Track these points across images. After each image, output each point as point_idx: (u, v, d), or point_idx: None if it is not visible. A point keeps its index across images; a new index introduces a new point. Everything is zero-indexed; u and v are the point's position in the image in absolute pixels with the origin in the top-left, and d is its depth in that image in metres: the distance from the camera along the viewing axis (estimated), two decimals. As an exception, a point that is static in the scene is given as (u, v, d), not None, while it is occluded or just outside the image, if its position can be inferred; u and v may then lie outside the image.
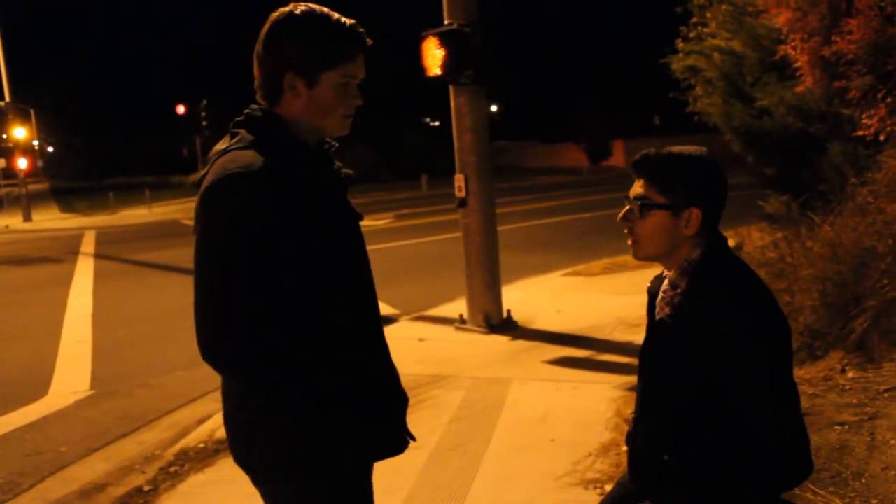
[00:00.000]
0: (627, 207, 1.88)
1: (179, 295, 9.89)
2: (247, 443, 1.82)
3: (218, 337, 1.65)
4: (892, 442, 2.97)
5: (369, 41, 1.82)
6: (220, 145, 1.80)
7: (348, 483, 1.84)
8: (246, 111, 1.82)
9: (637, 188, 1.87)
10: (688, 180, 1.83)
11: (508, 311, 7.03)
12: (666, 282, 1.92)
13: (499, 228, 7.29)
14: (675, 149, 1.87)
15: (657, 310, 1.94)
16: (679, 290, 1.85)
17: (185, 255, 12.47)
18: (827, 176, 6.52)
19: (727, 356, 1.72)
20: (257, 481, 1.86)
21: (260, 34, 1.80)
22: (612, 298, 7.67)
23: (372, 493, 1.95)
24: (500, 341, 6.55)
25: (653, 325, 1.94)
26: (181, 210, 25.62)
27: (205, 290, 1.66)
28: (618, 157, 40.46)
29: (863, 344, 4.06)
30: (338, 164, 1.93)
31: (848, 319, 4.25)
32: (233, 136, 1.79)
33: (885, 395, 3.33)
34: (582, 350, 6.06)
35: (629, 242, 1.90)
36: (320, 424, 1.75)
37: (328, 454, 1.77)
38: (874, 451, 2.93)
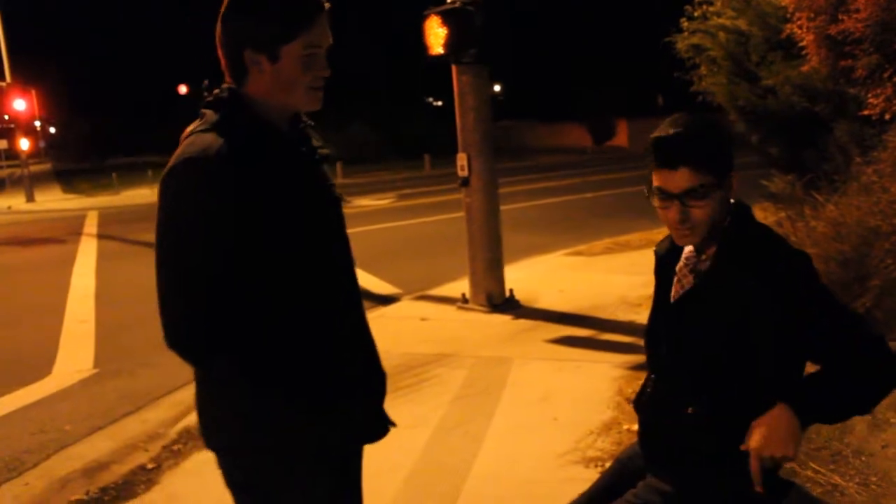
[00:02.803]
0: (678, 205, 1.77)
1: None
2: (207, 426, 1.83)
3: (177, 325, 1.66)
4: (893, 420, 2.97)
5: (327, 5, 1.74)
6: (190, 127, 1.76)
7: (322, 469, 1.80)
8: (215, 91, 1.78)
9: (679, 181, 1.76)
10: (723, 150, 1.81)
11: (511, 291, 7.03)
12: (689, 248, 1.89)
13: (501, 208, 7.27)
14: (691, 125, 1.79)
15: (678, 276, 1.92)
16: (705, 256, 1.84)
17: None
18: (832, 156, 6.48)
19: (786, 307, 1.71)
20: (223, 461, 1.85)
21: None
22: (614, 278, 7.67)
23: (352, 479, 1.92)
24: (502, 320, 6.56)
25: (682, 294, 1.89)
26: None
27: (163, 278, 1.66)
28: (621, 137, 40.31)
29: (866, 323, 4.05)
30: (316, 143, 1.88)
31: (852, 299, 4.25)
32: (201, 119, 1.75)
33: None
34: (584, 329, 6.07)
35: (685, 234, 1.81)
36: (280, 412, 1.74)
37: (284, 426, 1.75)
38: (874, 430, 2.94)
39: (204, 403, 1.83)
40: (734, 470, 1.72)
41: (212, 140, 1.65)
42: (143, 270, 10.46)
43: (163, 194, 1.67)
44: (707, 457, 1.83)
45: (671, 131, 1.78)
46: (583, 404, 4.41)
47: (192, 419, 4.70)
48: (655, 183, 1.81)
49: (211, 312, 1.65)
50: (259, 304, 1.71)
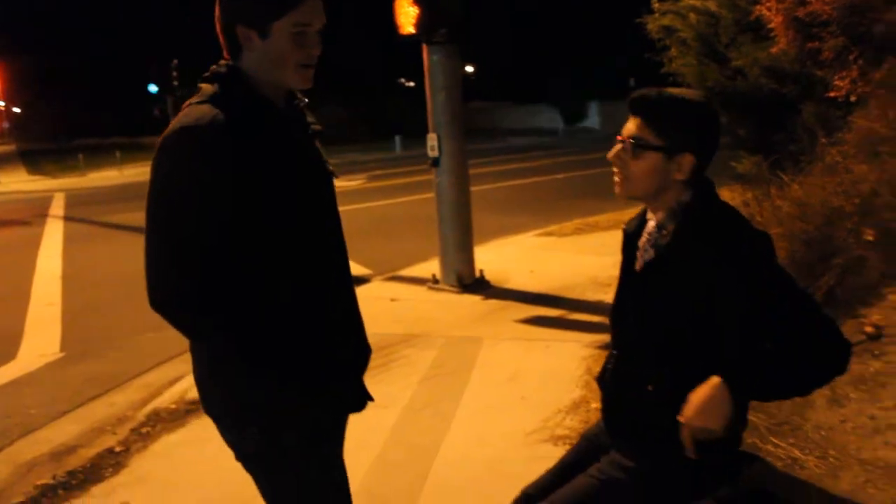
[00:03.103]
0: (620, 146, 1.86)
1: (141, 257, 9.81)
2: (204, 394, 1.87)
3: (167, 292, 1.68)
4: (852, 395, 3.03)
5: None
6: (188, 102, 1.79)
7: (305, 437, 1.84)
8: (213, 67, 1.81)
9: (631, 127, 1.85)
10: (685, 125, 1.82)
11: (481, 271, 7.05)
12: (651, 223, 1.92)
13: (473, 189, 7.27)
14: (676, 91, 1.86)
15: (640, 251, 1.95)
16: (666, 232, 1.86)
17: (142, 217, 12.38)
18: (798, 137, 6.55)
19: (740, 285, 1.73)
20: (219, 430, 1.89)
21: None
22: (584, 258, 7.71)
23: (336, 449, 1.96)
24: (472, 301, 6.58)
25: (643, 266, 1.93)
26: (144, 173, 25.28)
27: (152, 241, 1.68)
28: (593, 118, 40.43)
29: (829, 301, 4.11)
30: (310, 119, 1.92)
31: (815, 277, 4.30)
32: (198, 93, 1.78)
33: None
34: (554, 309, 6.10)
35: (616, 180, 1.89)
36: (267, 381, 1.77)
37: (277, 408, 1.79)
38: (834, 405, 3.00)
39: (201, 377, 1.87)
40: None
41: (207, 110, 1.69)
42: (110, 253, 10.39)
43: (157, 162, 1.70)
44: (668, 432, 1.85)
45: (655, 90, 1.86)
46: (552, 383, 4.45)
47: (161, 402, 4.68)
48: None
49: (203, 281, 1.67)
50: (252, 279, 1.74)
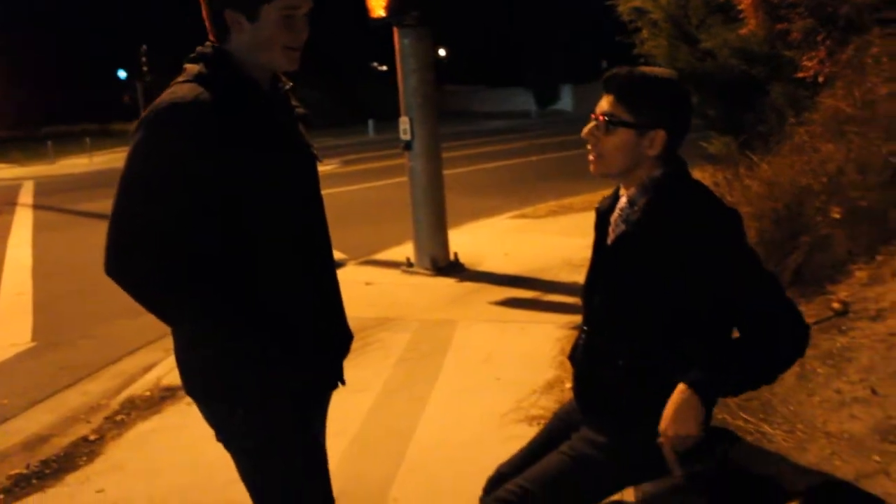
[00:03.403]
0: (593, 123, 1.88)
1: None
2: (183, 374, 1.88)
3: (124, 253, 1.69)
4: (819, 371, 3.09)
5: None
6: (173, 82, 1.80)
7: (289, 417, 1.86)
8: (198, 48, 1.82)
9: (604, 104, 1.87)
10: (656, 102, 1.85)
11: (455, 254, 7.07)
12: (623, 199, 1.94)
13: (446, 172, 7.27)
14: (647, 69, 1.89)
15: (612, 227, 1.97)
16: (637, 208, 1.88)
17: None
18: (767, 117, 6.61)
19: (710, 261, 1.76)
20: (202, 412, 1.90)
21: None
22: (558, 240, 7.75)
23: (317, 429, 1.98)
24: (446, 284, 6.60)
25: (614, 241, 1.95)
26: (124, 159, 24.90)
27: (120, 209, 1.68)
28: (566, 101, 40.48)
29: (797, 279, 4.17)
30: (294, 103, 1.94)
31: (784, 255, 4.36)
32: (183, 73, 1.79)
33: (815, 326, 3.43)
34: (528, 291, 6.14)
35: (590, 158, 1.90)
36: (251, 362, 1.78)
37: (262, 389, 1.80)
38: (802, 380, 3.05)
39: (183, 360, 1.88)
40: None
41: (192, 88, 1.70)
42: (80, 241, 10.25)
43: (139, 138, 1.69)
44: (639, 406, 1.87)
45: (627, 68, 1.88)
46: (526, 364, 4.48)
47: (136, 389, 4.66)
48: None
49: (174, 259, 1.68)
50: (235, 260, 1.74)
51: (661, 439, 1.73)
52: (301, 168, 1.90)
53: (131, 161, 1.69)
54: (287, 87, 1.92)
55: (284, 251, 1.81)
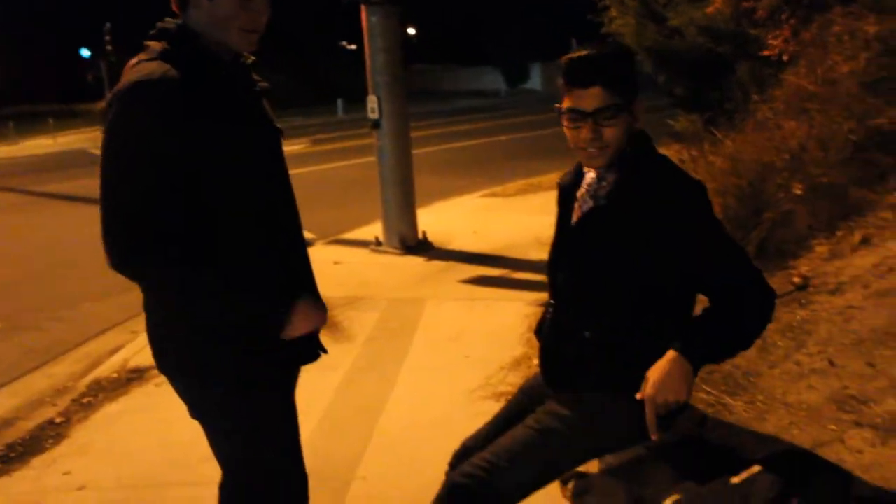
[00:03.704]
0: (593, 125, 1.81)
1: (86, 226, 9.57)
2: (160, 354, 1.87)
3: (124, 244, 1.66)
4: (780, 343, 3.15)
5: None
6: (134, 60, 1.77)
7: (264, 392, 1.87)
8: (159, 24, 1.80)
9: (591, 99, 1.80)
10: (629, 75, 1.84)
11: (424, 233, 7.08)
12: (591, 175, 1.94)
13: (416, 152, 7.26)
14: (603, 47, 1.85)
15: (578, 202, 1.97)
16: (605, 183, 1.89)
17: (93, 185, 12.05)
18: (733, 95, 6.68)
19: (679, 233, 1.77)
20: (176, 389, 1.89)
21: None
22: (527, 218, 7.77)
23: (291, 404, 1.99)
24: (415, 262, 6.61)
25: (581, 217, 1.95)
26: (88, 139, 24.54)
27: (110, 199, 1.66)
28: (535, 80, 40.48)
29: (760, 254, 4.24)
30: (256, 78, 1.92)
31: (747, 230, 4.43)
32: (145, 50, 1.77)
33: (776, 300, 3.51)
34: (497, 269, 6.17)
35: (594, 152, 1.84)
36: (221, 334, 1.78)
37: (237, 365, 1.81)
38: (763, 353, 3.11)
39: (157, 338, 1.87)
40: (629, 394, 1.79)
41: (158, 66, 1.68)
42: (45, 223, 10.07)
43: (110, 120, 1.68)
44: (603, 381, 1.90)
45: (584, 52, 1.82)
46: (494, 342, 4.51)
47: (102, 371, 4.62)
48: (567, 104, 1.84)
49: (159, 233, 1.66)
50: (204, 237, 1.73)
51: (640, 396, 1.75)
52: (264, 143, 1.88)
53: (106, 142, 1.68)
54: (249, 61, 1.90)
55: (246, 226, 1.80)
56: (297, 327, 1.81)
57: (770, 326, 3.27)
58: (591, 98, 1.80)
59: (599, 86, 1.79)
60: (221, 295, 1.75)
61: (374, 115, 6.86)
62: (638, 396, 1.76)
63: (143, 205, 1.65)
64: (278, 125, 1.95)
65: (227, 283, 1.75)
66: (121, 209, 1.66)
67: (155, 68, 1.67)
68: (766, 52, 6.20)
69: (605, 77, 1.79)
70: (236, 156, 1.76)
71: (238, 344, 1.79)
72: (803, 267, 3.92)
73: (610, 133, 1.82)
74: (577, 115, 1.83)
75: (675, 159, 1.91)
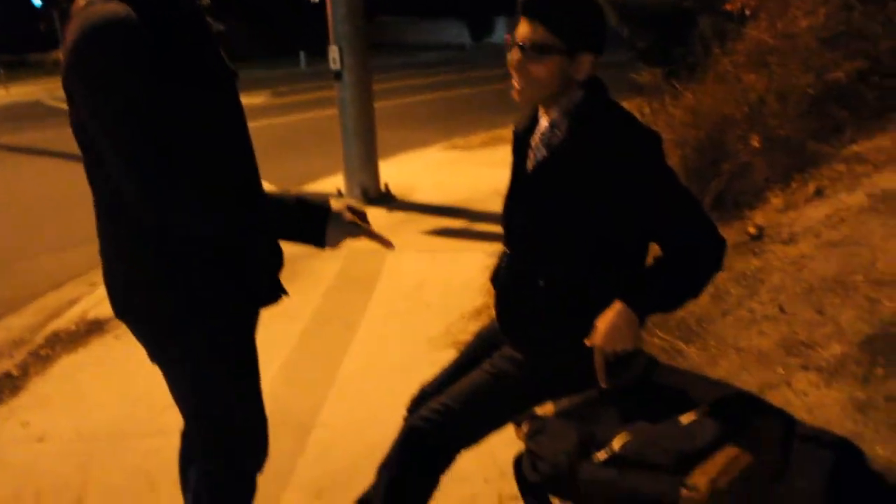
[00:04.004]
0: (520, 53, 1.81)
1: (42, 179, 9.40)
2: (119, 300, 1.84)
3: (169, 198, 1.62)
4: (733, 291, 3.22)
5: None
6: (81, 2, 1.69)
7: (225, 336, 1.87)
8: None
9: (527, 31, 1.80)
10: (583, 23, 1.81)
11: (386, 185, 7.05)
12: (544, 122, 1.93)
13: (378, 104, 7.20)
14: None
15: (532, 150, 1.96)
16: (559, 131, 1.88)
17: (49, 137, 11.72)
18: (695, 48, 6.69)
19: (631, 182, 1.78)
20: (136, 335, 1.89)
21: None
22: (489, 171, 7.77)
23: (252, 347, 1.99)
24: (377, 214, 6.59)
25: (535, 166, 1.94)
26: (44, 90, 23.86)
27: (124, 156, 1.61)
28: (500, 33, 40.16)
29: (717, 204, 4.31)
30: (209, 19, 1.87)
31: (705, 182, 4.48)
32: None
33: (731, 250, 3.57)
34: (458, 221, 6.19)
35: (516, 86, 1.85)
36: (183, 276, 1.77)
37: (199, 309, 1.80)
38: (716, 300, 3.18)
39: (115, 283, 1.84)
40: (581, 340, 1.83)
41: (116, 7, 1.60)
42: (-1, 175, 9.55)
43: (76, 70, 1.61)
44: (558, 325, 1.93)
45: None
46: (455, 291, 4.55)
47: (60, 324, 4.58)
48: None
49: (174, 172, 1.63)
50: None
51: (589, 343, 1.78)
52: (221, 84, 1.84)
53: (95, 99, 1.61)
54: (204, 3, 1.85)
55: (211, 169, 1.76)
56: (335, 234, 1.80)
57: (724, 275, 3.36)
58: (528, 31, 1.79)
59: (540, 22, 1.77)
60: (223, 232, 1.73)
61: (335, 66, 6.77)
62: (587, 343, 1.80)
63: (162, 151, 1.61)
64: (233, 69, 1.92)
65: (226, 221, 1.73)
66: (150, 162, 1.60)
67: (116, 9, 1.60)
68: (728, 6, 6.20)
69: (547, 15, 1.77)
70: (197, 98, 1.72)
71: (200, 286, 1.79)
72: (758, 218, 3.99)
73: (535, 71, 1.80)
74: (513, 45, 1.83)
75: (636, 112, 1.91)
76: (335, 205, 1.80)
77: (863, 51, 4.89)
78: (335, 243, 1.80)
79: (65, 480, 2.95)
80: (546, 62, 1.79)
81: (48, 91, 22.65)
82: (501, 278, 2.08)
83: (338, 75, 6.81)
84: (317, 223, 1.82)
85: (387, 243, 1.87)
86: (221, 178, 1.80)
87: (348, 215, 1.81)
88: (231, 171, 1.85)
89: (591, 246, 1.86)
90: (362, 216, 1.88)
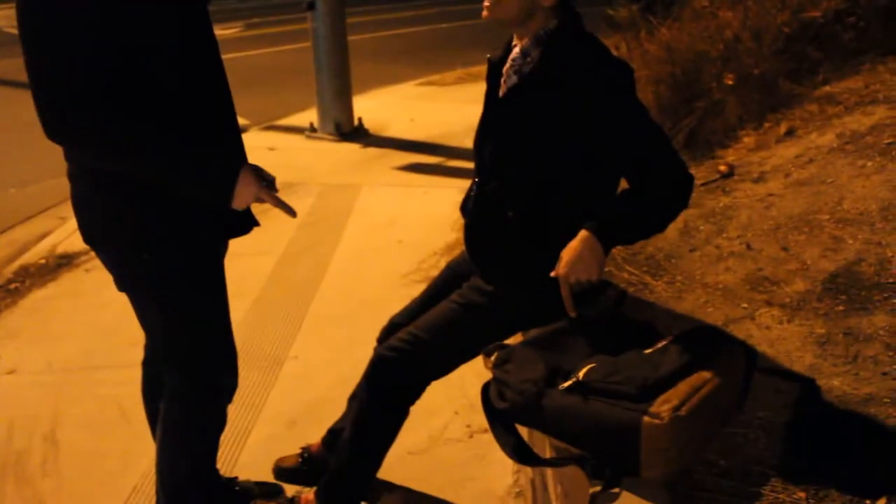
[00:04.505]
0: None
1: (6, 110, 9.16)
2: (88, 223, 1.84)
3: (58, 113, 1.62)
4: (702, 228, 3.26)
5: None
6: None
7: (193, 261, 1.88)
8: None
9: None
10: None
11: (360, 119, 6.98)
12: (516, 50, 1.91)
13: (352, 38, 7.07)
14: None
15: (504, 77, 1.95)
16: (530, 59, 1.87)
17: (7, 66, 11.42)
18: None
19: (601, 113, 1.78)
20: (103, 259, 1.90)
21: None
22: (464, 107, 7.69)
23: (221, 275, 2.00)
24: (350, 149, 6.54)
25: (505, 92, 1.94)
26: (3, 17, 23.14)
27: (36, 68, 1.60)
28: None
29: (689, 142, 4.32)
30: None
31: (679, 118, 4.49)
32: None
33: (702, 188, 3.60)
34: (432, 157, 6.16)
35: (485, 3, 1.84)
36: (156, 206, 1.77)
37: (167, 233, 1.81)
38: (684, 236, 3.22)
39: (84, 207, 1.83)
40: (548, 270, 1.84)
41: None
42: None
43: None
44: (527, 256, 1.94)
45: None
46: (428, 227, 4.55)
47: (29, 258, 4.53)
48: None
49: (88, 96, 1.61)
50: (138, 110, 1.68)
51: (555, 274, 1.81)
52: (191, 14, 1.80)
53: (27, 18, 1.59)
54: None
55: (183, 101, 1.76)
56: (242, 194, 1.78)
57: (693, 212, 3.39)
58: None
59: None
60: (167, 159, 1.71)
61: (308, -4, 6.62)
62: (552, 274, 1.82)
63: (69, 69, 1.58)
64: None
65: (173, 147, 1.72)
66: (47, 73, 1.59)
67: None
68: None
69: None
70: (165, 27, 1.69)
71: (170, 210, 1.78)
72: (730, 156, 4.01)
73: None
74: None
75: (611, 48, 1.90)
76: (244, 169, 1.79)
77: (841, -11, 4.87)
78: (242, 204, 1.80)
79: (37, 411, 2.96)
80: None
81: (7, 18, 21.93)
82: (471, 208, 2.08)
83: (311, 6, 6.66)
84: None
85: (290, 211, 1.87)
86: (197, 106, 1.79)
87: (255, 180, 1.80)
88: (203, 102, 1.83)
89: (559, 175, 1.87)
90: (271, 183, 1.88)
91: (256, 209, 1.98)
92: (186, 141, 1.75)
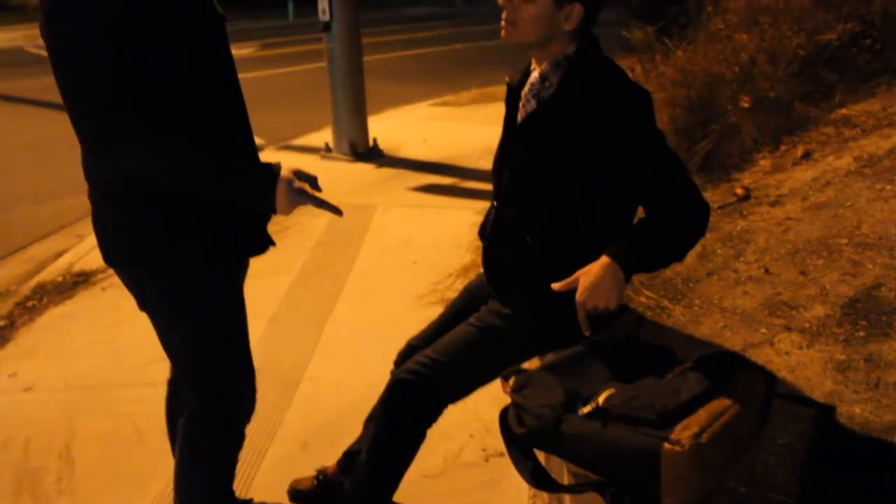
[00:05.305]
0: None
1: (20, 128, 9.24)
2: (107, 243, 1.84)
3: (99, 125, 1.61)
4: (719, 251, 3.24)
5: None
6: None
7: (212, 281, 1.88)
8: None
9: None
10: None
11: (374, 140, 7.01)
12: (535, 74, 1.92)
13: (368, 58, 7.11)
14: None
15: (522, 101, 1.95)
16: (549, 83, 1.87)
17: (28, 85, 11.55)
18: (687, 6, 6.64)
19: (619, 139, 1.77)
20: (123, 279, 1.90)
21: None
22: (479, 128, 7.74)
23: (240, 296, 2.01)
24: (365, 169, 6.57)
25: (524, 117, 1.94)
26: (24, 37, 23.37)
27: (73, 82, 1.60)
28: (492, -13, 39.62)
29: (705, 165, 4.31)
30: None
31: (694, 142, 4.48)
32: None
33: (718, 210, 3.60)
34: (447, 177, 6.17)
35: (503, 24, 1.85)
36: (174, 226, 1.78)
37: (186, 253, 1.81)
38: (702, 260, 3.21)
39: (104, 227, 1.83)
40: (568, 296, 1.84)
41: None
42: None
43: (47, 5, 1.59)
44: (544, 280, 1.94)
45: None
46: (443, 248, 4.55)
47: (47, 275, 4.56)
48: None
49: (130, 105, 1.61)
50: (152, 125, 1.66)
51: (577, 305, 1.80)
52: (209, 27, 1.81)
53: (52, 26, 1.59)
54: None
55: (198, 115, 1.75)
56: (282, 205, 1.74)
57: (711, 235, 3.38)
58: None
59: None
60: (210, 172, 1.69)
61: (324, 17, 6.66)
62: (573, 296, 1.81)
63: (111, 82, 1.58)
64: (222, 13, 1.88)
65: (214, 161, 1.69)
66: (87, 90, 1.59)
67: None
68: (722, -37, 6.15)
69: None
70: (183, 41, 1.70)
71: (187, 232, 1.79)
72: (746, 179, 4.01)
73: (523, 11, 1.81)
74: None
75: (626, 70, 1.91)
76: (284, 171, 1.76)
77: (856, 12, 4.87)
78: (286, 210, 1.77)
79: (53, 429, 2.97)
80: (533, 5, 1.80)
81: (30, 38, 22.18)
82: (489, 232, 2.08)
83: (327, 26, 6.70)
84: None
85: (335, 210, 1.85)
86: (210, 124, 1.78)
87: (297, 182, 1.77)
88: (221, 119, 1.84)
89: (578, 201, 1.87)
90: (313, 182, 1.85)
91: (272, 228, 1.99)
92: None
